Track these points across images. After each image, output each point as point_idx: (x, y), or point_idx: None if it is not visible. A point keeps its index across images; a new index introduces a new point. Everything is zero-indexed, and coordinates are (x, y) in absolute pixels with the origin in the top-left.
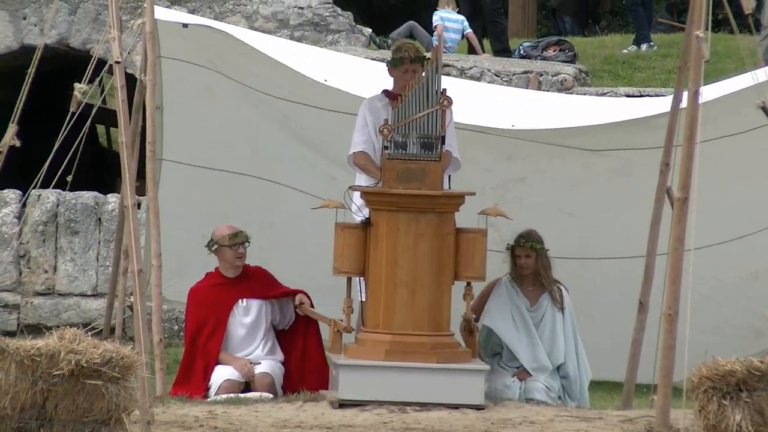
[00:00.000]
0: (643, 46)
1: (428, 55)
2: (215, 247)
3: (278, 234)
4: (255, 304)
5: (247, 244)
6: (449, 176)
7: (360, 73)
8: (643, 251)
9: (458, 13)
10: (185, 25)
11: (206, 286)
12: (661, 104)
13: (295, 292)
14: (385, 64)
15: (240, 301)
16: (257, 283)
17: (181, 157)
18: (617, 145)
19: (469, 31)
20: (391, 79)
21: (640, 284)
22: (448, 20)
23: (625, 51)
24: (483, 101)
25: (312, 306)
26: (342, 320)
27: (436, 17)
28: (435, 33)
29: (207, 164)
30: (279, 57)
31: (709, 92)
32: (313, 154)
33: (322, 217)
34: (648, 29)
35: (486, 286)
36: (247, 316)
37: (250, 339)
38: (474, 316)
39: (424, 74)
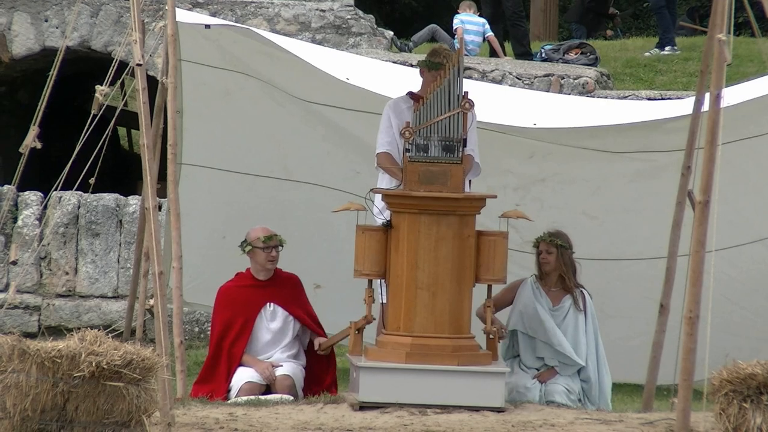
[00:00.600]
0: (667, 49)
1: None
2: (249, 248)
3: (301, 234)
4: (281, 311)
5: (280, 247)
6: (470, 181)
7: (382, 76)
8: (664, 253)
9: (479, 16)
10: (207, 26)
11: (236, 286)
12: (682, 106)
13: (313, 330)
14: (417, 65)
15: (267, 305)
16: (287, 291)
17: (202, 160)
18: (638, 147)
19: (490, 34)
20: (415, 82)
21: (659, 285)
22: (469, 23)
23: (647, 54)
24: (505, 102)
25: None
26: (359, 320)
27: (457, 20)
28: (456, 36)
29: (228, 167)
30: (300, 55)
31: (730, 95)
32: (336, 149)
33: (346, 214)
34: (673, 32)
35: (511, 283)
36: (273, 321)
37: (275, 344)
38: (493, 308)
39: (446, 77)
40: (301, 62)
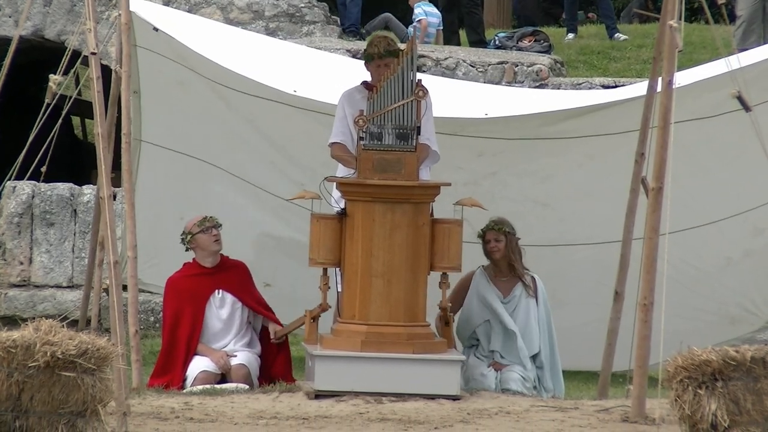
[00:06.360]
0: (616, 36)
1: (402, 47)
2: (190, 237)
3: (251, 231)
4: (229, 298)
5: (219, 227)
6: (429, 168)
7: (333, 74)
8: (616, 236)
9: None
10: (156, 29)
11: (183, 276)
12: (635, 90)
13: (265, 315)
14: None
15: (216, 292)
16: (234, 277)
17: (160, 140)
18: (590, 131)
19: (440, 28)
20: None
21: (612, 270)
22: (431, 15)
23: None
24: (456, 94)
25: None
26: (314, 309)
27: (419, 10)
28: (412, 26)
29: (185, 151)
30: (249, 69)
31: (683, 78)
32: (282, 159)
33: (295, 215)
34: (614, 18)
35: (461, 279)
36: (222, 308)
37: (226, 331)
38: (450, 305)
39: (399, 66)
40: (247, 80)
